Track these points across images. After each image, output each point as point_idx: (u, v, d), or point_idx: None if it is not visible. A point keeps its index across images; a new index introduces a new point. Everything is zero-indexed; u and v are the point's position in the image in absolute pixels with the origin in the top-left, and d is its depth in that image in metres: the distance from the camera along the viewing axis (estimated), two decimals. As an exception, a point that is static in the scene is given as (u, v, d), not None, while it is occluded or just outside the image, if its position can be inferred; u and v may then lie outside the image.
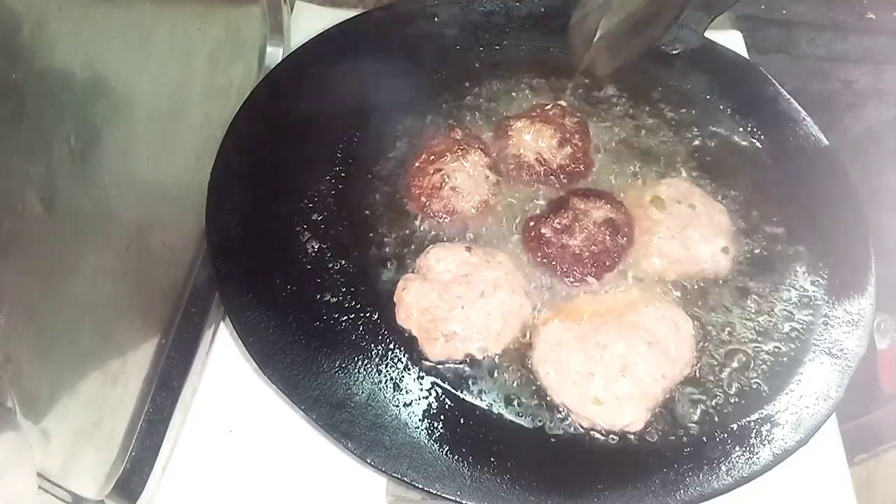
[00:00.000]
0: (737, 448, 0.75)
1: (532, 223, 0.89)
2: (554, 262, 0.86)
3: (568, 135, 0.97)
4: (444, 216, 0.89)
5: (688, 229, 0.89)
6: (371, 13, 1.13)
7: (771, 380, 0.81)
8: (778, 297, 0.88)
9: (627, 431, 0.75)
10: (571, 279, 0.86)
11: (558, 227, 0.87)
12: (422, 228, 0.89)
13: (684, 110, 1.07)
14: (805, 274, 0.90)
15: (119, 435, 0.75)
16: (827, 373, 0.81)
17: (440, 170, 0.90)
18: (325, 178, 0.93)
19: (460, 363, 0.79)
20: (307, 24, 1.17)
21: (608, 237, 0.86)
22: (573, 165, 0.95)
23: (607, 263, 0.86)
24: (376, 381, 0.77)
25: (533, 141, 0.96)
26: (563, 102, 1.03)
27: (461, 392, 0.77)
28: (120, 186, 0.70)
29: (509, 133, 0.97)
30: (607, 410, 0.75)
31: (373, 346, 0.79)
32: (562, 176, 0.95)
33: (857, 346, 0.83)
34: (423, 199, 0.89)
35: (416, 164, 0.92)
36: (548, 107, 1.00)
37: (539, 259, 0.87)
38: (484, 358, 0.79)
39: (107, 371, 0.72)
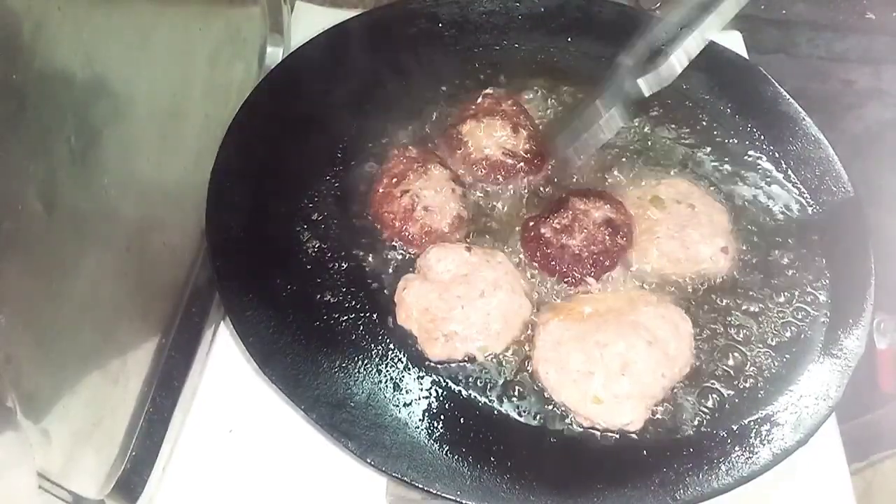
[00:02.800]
0: (736, 448, 0.75)
1: (531, 223, 0.89)
2: (553, 263, 0.86)
3: (515, 119, 0.97)
4: (423, 238, 0.86)
5: (687, 229, 0.89)
6: (371, 13, 1.13)
7: (770, 379, 0.81)
8: (777, 296, 0.88)
9: (627, 430, 0.76)
10: (570, 279, 0.86)
11: (558, 227, 0.87)
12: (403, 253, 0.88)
13: (684, 110, 1.07)
14: (804, 274, 0.90)
15: (119, 435, 0.75)
16: (826, 373, 0.81)
17: (407, 191, 0.87)
18: (325, 178, 0.93)
19: (460, 363, 0.79)
20: (307, 23, 1.17)
21: (608, 237, 0.86)
22: (535, 145, 0.95)
23: (607, 264, 0.86)
24: (376, 380, 0.77)
25: (488, 137, 0.95)
26: (489, 90, 1.02)
27: (461, 392, 0.78)
28: (120, 186, 0.70)
29: (462, 139, 0.95)
30: (607, 409, 0.75)
31: (373, 345, 0.79)
32: (533, 158, 0.94)
33: (857, 346, 0.83)
34: (397, 223, 0.86)
35: (381, 190, 0.89)
36: (479, 100, 1.00)
37: (538, 259, 0.87)
38: (484, 358, 0.80)
39: (107, 371, 0.72)
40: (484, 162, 0.94)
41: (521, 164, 0.94)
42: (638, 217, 0.91)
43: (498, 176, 0.94)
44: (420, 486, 0.69)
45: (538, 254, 0.87)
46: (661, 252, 0.88)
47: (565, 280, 0.86)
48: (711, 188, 0.97)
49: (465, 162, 0.94)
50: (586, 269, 0.85)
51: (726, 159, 1.01)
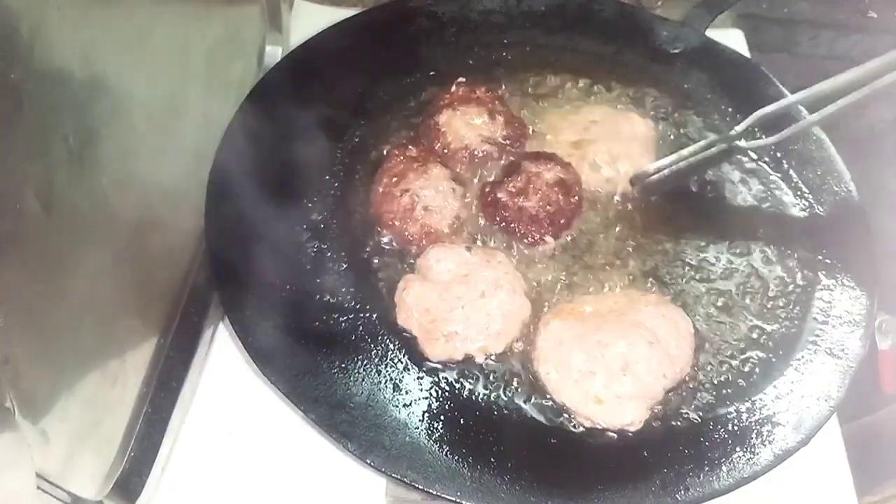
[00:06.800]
0: (738, 448, 0.75)
1: (487, 188, 0.91)
2: (513, 225, 0.88)
3: (491, 105, 0.97)
4: (423, 238, 0.86)
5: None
6: (370, 12, 1.13)
7: (772, 380, 0.81)
8: (778, 296, 0.88)
9: (628, 430, 0.75)
10: (530, 239, 0.87)
11: (513, 190, 0.89)
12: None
13: (685, 109, 1.06)
14: (806, 274, 0.90)
15: (118, 435, 0.75)
16: (828, 373, 0.81)
17: (407, 190, 0.87)
18: (325, 178, 0.92)
19: (460, 363, 0.79)
20: (306, 22, 1.17)
21: (561, 197, 0.89)
22: (512, 130, 0.97)
23: (562, 222, 0.88)
24: (376, 381, 0.76)
25: (466, 125, 0.95)
26: (462, 79, 1.01)
27: (461, 393, 0.77)
28: (119, 186, 0.70)
29: (441, 130, 0.95)
30: (608, 409, 0.75)
31: (373, 346, 0.79)
32: (508, 143, 0.96)
33: (859, 347, 0.83)
34: (397, 223, 0.86)
35: (381, 190, 0.89)
36: (452, 89, 1.00)
37: (497, 222, 0.88)
38: (484, 358, 0.79)
39: (106, 371, 0.71)
40: (464, 151, 0.94)
41: (502, 149, 0.95)
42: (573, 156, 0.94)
43: (476, 161, 0.95)
44: (420, 486, 0.69)
45: (497, 218, 0.89)
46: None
47: (525, 240, 0.88)
48: (713, 187, 0.97)
49: (444, 151, 0.95)
50: (544, 229, 0.88)
51: (727, 159, 1.01)
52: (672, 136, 1.03)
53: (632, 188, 0.95)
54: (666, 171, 0.93)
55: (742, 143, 0.93)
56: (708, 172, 0.99)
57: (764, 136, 0.94)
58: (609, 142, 0.97)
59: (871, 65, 0.78)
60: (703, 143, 0.95)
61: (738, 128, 0.93)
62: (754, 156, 1.02)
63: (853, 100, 0.78)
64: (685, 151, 0.94)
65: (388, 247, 0.88)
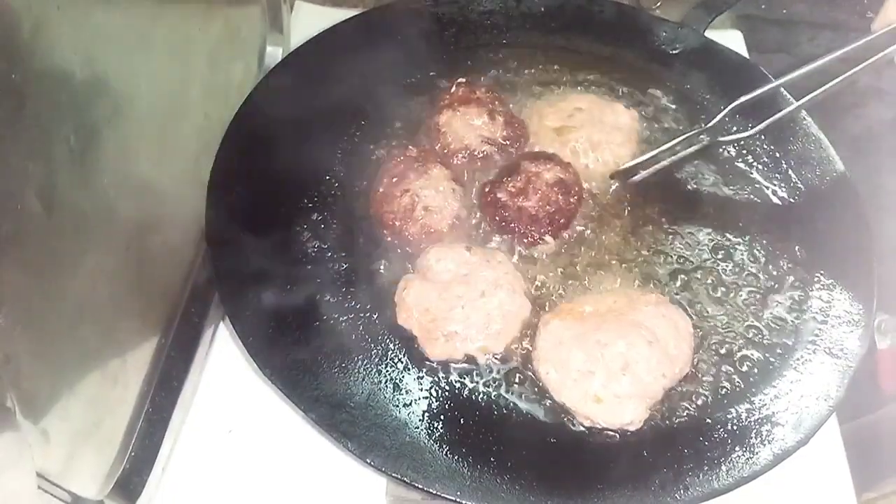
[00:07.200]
0: (737, 448, 0.75)
1: (487, 188, 0.91)
2: (512, 224, 0.88)
3: (491, 105, 0.97)
4: (423, 238, 0.86)
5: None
6: (370, 13, 1.13)
7: (771, 379, 0.81)
8: (778, 296, 0.88)
9: (627, 430, 0.75)
10: (529, 239, 0.88)
11: (513, 190, 0.89)
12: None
13: (684, 110, 1.07)
14: (805, 274, 0.90)
15: (119, 435, 0.75)
16: (827, 372, 0.81)
17: (407, 190, 0.87)
18: (325, 178, 0.93)
19: (460, 363, 0.79)
20: (307, 23, 1.17)
21: (560, 197, 0.89)
22: (512, 130, 0.97)
23: (562, 222, 0.89)
24: (376, 381, 0.77)
25: (466, 126, 0.95)
26: (462, 79, 1.02)
27: (461, 392, 0.77)
28: (119, 186, 0.70)
29: (441, 130, 0.96)
30: (607, 409, 0.75)
31: (373, 346, 0.79)
32: (508, 143, 0.96)
33: (858, 346, 0.83)
34: (397, 223, 0.86)
35: (381, 190, 0.89)
36: (452, 90, 1.00)
37: (497, 222, 0.89)
38: (484, 358, 0.79)
39: (106, 371, 0.72)
40: (463, 151, 0.95)
41: (500, 149, 0.95)
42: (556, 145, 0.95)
43: (476, 162, 0.95)
44: (420, 486, 0.69)
45: (496, 217, 0.89)
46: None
47: (525, 240, 0.88)
48: (715, 188, 0.97)
49: (443, 151, 0.95)
50: (544, 229, 0.88)
51: (727, 159, 1.01)
52: (661, 133, 1.03)
53: (612, 181, 0.96)
54: (650, 168, 0.94)
55: (721, 137, 0.95)
56: (708, 173, 0.99)
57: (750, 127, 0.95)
58: (591, 129, 0.97)
59: (842, 53, 0.82)
60: (680, 138, 0.96)
61: (713, 122, 0.95)
62: (752, 157, 1.02)
63: (830, 87, 0.83)
64: (664, 147, 0.95)
65: (388, 247, 0.88)
